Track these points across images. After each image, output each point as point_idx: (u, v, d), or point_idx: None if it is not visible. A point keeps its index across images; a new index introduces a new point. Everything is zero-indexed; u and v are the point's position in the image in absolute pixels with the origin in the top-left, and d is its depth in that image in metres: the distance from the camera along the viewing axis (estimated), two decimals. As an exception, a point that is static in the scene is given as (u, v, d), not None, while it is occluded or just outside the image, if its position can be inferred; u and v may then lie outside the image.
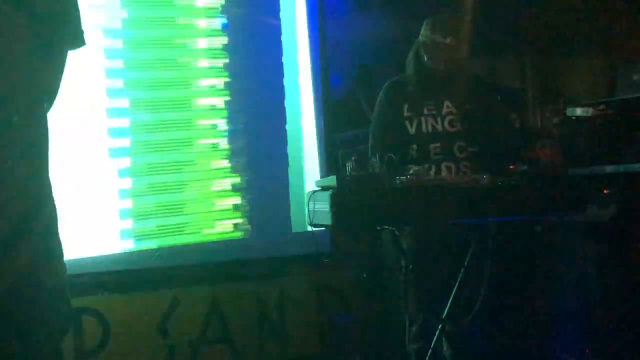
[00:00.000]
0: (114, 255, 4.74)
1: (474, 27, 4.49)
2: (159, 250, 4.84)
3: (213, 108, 5.05)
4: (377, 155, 3.66)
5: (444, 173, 4.02)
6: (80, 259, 4.45)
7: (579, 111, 4.76)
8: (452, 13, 4.28)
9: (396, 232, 3.70)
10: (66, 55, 2.39)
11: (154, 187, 4.88)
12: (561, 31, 5.51)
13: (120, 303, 4.73)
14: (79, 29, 2.39)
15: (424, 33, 4.17)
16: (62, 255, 2.37)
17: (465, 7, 4.64)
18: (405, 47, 4.32)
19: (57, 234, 2.35)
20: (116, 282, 4.76)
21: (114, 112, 4.77)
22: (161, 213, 4.89)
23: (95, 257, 4.66)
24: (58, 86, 2.39)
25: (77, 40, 2.39)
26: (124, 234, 4.78)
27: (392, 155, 3.61)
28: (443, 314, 3.94)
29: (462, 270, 3.98)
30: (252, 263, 5.13)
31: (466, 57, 4.18)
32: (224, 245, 5.04)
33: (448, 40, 4.08)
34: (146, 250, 4.84)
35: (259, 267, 5.14)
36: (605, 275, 4.79)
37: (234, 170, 5.07)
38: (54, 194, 2.34)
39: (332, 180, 3.64)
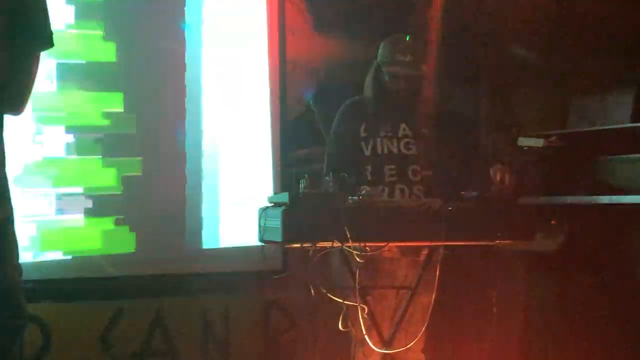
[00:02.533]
0: (57, 261, 4.68)
1: (431, 52, 4.55)
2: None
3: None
4: (331, 175, 3.67)
5: (397, 195, 4.05)
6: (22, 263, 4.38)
7: (530, 141, 4.82)
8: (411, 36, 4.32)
9: (346, 252, 3.70)
10: (33, 57, 2.35)
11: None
12: (516, 61, 5.59)
13: (63, 311, 4.66)
14: (47, 30, 2.36)
15: (383, 52, 4.20)
16: (14, 257, 2.33)
17: (423, 30, 4.70)
18: (363, 67, 4.34)
19: (11, 235, 2.32)
20: (60, 290, 4.69)
21: None
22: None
23: (38, 263, 4.59)
24: (24, 88, 2.35)
25: (45, 41, 2.36)
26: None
27: (346, 175, 3.62)
28: (388, 337, 3.95)
29: (409, 294, 4.00)
30: (198, 277, 5.09)
31: (425, 81, 4.22)
32: (171, 256, 5.00)
33: (408, 58, 4.12)
34: (91, 257, 4.78)
35: (205, 281, 5.10)
36: (549, 305, 4.84)
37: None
38: (10, 195, 2.31)
39: (284, 197, 3.64)
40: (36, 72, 2.38)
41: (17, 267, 2.38)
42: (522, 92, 5.79)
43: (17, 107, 2.37)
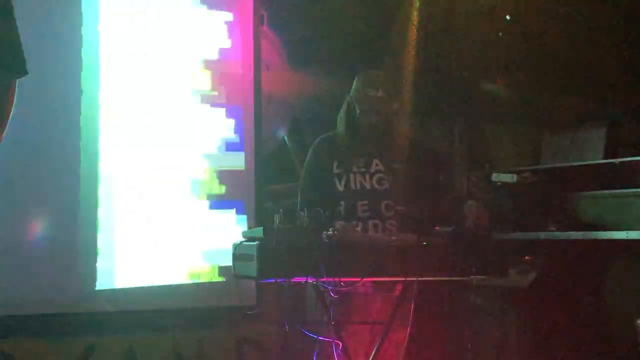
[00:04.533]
0: (29, 297, 4.63)
1: (404, 87, 4.58)
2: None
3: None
4: (305, 210, 3.66)
5: (370, 231, 4.04)
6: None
7: (503, 177, 4.86)
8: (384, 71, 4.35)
9: (321, 287, 3.69)
10: (8, 86, 2.32)
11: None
12: (489, 98, 5.64)
13: (34, 347, 4.59)
14: (21, 57, 2.34)
15: (355, 87, 4.22)
16: None
17: (396, 67, 4.73)
18: (338, 103, 4.36)
19: None
20: (30, 326, 4.64)
21: None
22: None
23: (9, 299, 4.54)
24: (0, 117, 2.32)
25: (19, 69, 2.34)
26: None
27: (320, 210, 3.62)
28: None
29: (383, 330, 3.98)
30: (171, 312, 5.04)
31: (398, 116, 4.24)
32: (143, 292, 4.96)
33: (379, 93, 4.13)
34: (62, 294, 4.74)
35: (178, 317, 5.05)
36: (523, 340, 4.85)
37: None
38: None
39: (259, 231, 3.62)
40: (12, 101, 2.35)
41: None
42: (495, 129, 5.85)
43: None
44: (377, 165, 4.17)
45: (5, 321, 4.48)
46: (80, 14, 4.88)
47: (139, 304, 4.95)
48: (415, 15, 5.20)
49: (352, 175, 4.15)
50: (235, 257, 3.76)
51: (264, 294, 4.96)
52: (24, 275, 4.60)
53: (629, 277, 4.56)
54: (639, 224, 4.42)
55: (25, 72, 2.36)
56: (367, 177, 4.15)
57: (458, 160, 5.84)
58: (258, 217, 5.19)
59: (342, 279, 3.57)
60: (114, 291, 4.89)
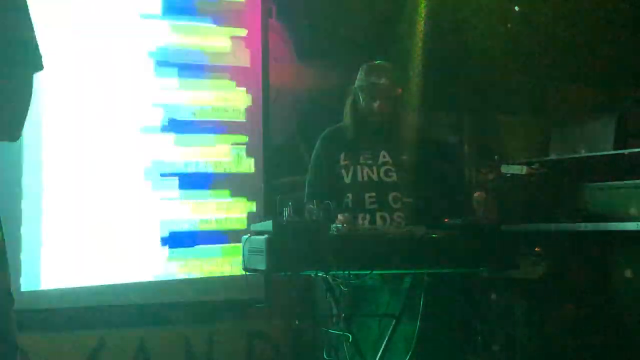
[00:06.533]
0: (40, 291, 4.64)
1: (412, 80, 4.57)
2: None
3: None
4: (314, 203, 3.66)
5: (378, 223, 4.03)
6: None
7: (513, 169, 4.84)
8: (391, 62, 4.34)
9: (330, 280, 3.68)
10: (26, 81, 2.32)
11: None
12: (498, 89, 5.63)
13: (46, 342, 4.61)
14: (37, 52, 2.34)
15: (360, 77, 4.21)
16: (3, 288, 2.29)
17: (405, 59, 4.72)
18: (346, 95, 4.35)
19: (4, 261, 2.28)
20: (42, 321, 4.65)
21: None
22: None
23: (21, 293, 4.55)
24: (20, 113, 2.31)
25: (36, 64, 2.34)
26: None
27: (329, 203, 3.61)
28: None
29: (393, 323, 3.98)
30: (181, 306, 5.06)
31: (405, 106, 4.23)
32: (154, 286, 4.97)
33: (382, 81, 4.13)
34: (73, 288, 4.74)
35: (188, 310, 5.07)
36: (534, 332, 4.84)
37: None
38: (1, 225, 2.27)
39: (268, 225, 3.62)
40: (30, 96, 2.35)
41: (8, 294, 2.34)
42: (504, 120, 5.83)
43: (13, 133, 2.34)
44: (384, 157, 4.16)
45: (16, 315, 4.49)
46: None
47: (149, 298, 4.97)
48: (423, 7, 5.18)
49: (359, 167, 4.14)
50: (245, 250, 3.76)
51: (273, 288, 4.96)
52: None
53: (639, 269, 4.54)
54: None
55: (42, 67, 2.36)
56: (375, 169, 4.14)
57: (467, 151, 5.82)
58: (267, 210, 5.18)
59: (351, 272, 3.57)
60: (124, 285, 4.91)
